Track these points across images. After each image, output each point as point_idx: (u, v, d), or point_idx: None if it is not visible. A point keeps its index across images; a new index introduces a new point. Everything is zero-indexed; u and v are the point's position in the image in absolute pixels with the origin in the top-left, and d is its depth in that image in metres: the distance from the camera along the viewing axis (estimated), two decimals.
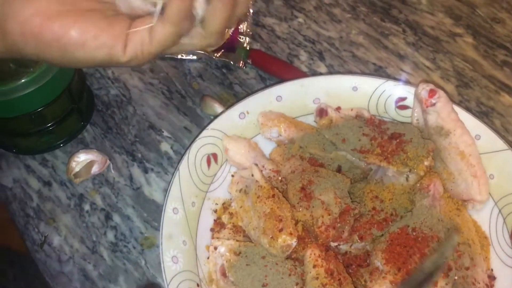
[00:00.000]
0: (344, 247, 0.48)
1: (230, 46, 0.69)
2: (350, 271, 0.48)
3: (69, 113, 0.60)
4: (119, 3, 0.36)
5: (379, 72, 0.68)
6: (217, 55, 0.69)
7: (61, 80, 0.56)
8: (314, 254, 0.45)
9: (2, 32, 0.35)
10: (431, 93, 0.51)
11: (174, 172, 0.51)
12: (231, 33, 0.68)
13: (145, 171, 0.61)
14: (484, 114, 0.64)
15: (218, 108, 0.64)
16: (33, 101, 0.54)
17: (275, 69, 0.67)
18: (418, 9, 0.75)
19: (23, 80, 0.51)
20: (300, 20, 0.74)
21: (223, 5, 0.37)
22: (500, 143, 0.51)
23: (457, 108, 0.53)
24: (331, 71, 0.69)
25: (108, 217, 0.58)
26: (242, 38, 0.69)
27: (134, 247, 0.56)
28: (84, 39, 0.35)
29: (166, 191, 0.58)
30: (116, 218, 0.58)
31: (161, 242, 0.46)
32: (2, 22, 0.35)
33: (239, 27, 0.70)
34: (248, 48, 0.69)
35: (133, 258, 0.55)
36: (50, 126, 0.59)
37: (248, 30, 0.70)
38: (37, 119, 0.57)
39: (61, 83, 0.56)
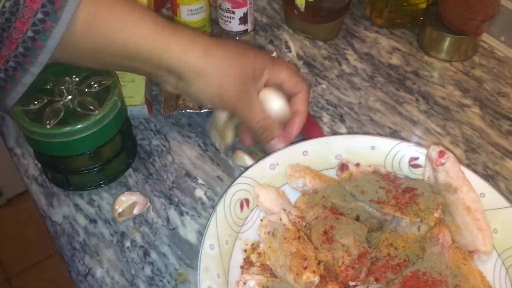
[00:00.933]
0: None
1: None
2: None
3: (120, 151, 0.68)
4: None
5: (394, 135, 0.76)
6: None
7: (118, 120, 0.64)
8: None
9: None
10: (441, 154, 0.58)
11: (212, 213, 0.58)
12: None
13: (181, 213, 0.67)
14: (490, 177, 0.70)
15: (248, 160, 0.71)
16: (95, 140, 0.62)
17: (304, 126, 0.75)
18: (430, 81, 0.83)
19: (89, 122, 0.59)
20: (324, 86, 0.83)
21: None
22: (503, 201, 0.57)
23: (464, 169, 0.60)
24: (351, 132, 0.76)
25: (146, 253, 0.64)
26: None
27: (168, 282, 0.62)
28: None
29: (199, 232, 0.65)
30: (153, 255, 0.64)
31: (199, 273, 0.52)
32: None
33: None
34: None
35: None
36: (103, 163, 0.67)
37: None
38: (95, 157, 0.65)
39: (118, 123, 0.64)
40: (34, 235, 1.70)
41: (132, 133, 0.72)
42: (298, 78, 0.62)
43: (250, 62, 0.57)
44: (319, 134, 0.74)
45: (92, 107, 0.61)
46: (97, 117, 0.60)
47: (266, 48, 0.89)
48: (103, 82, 0.64)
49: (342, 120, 0.78)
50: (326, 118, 0.78)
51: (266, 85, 0.62)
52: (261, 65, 0.59)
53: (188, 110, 0.77)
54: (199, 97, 0.57)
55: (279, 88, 0.62)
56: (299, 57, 0.88)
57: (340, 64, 0.87)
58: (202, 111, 0.77)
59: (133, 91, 0.74)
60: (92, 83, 0.64)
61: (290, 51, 0.89)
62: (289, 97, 0.64)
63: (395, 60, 0.87)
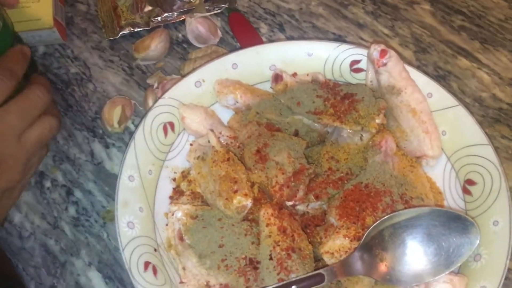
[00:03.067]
0: (301, 208, 0.49)
1: None
2: (308, 231, 0.48)
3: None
4: None
5: (338, 41, 0.68)
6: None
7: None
8: (267, 213, 0.45)
9: None
10: (382, 53, 0.52)
11: (129, 141, 0.51)
12: None
13: (106, 146, 0.61)
14: (441, 78, 0.65)
15: None
16: None
17: (245, 37, 0.67)
18: None
19: None
20: None
21: None
22: (451, 100, 0.52)
23: (409, 68, 0.54)
24: None
25: (69, 192, 0.58)
26: None
27: (96, 221, 0.56)
28: None
29: None
30: (78, 193, 0.58)
31: (116, 208, 0.46)
32: None
33: None
34: None
35: (95, 232, 0.55)
36: None
37: None
38: None
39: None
40: None
41: (33, 64, 0.62)
42: None
43: None
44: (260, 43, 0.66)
45: None
46: None
47: None
48: None
49: (281, 29, 0.70)
50: (264, 28, 0.70)
51: None
52: None
53: (136, 29, 0.68)
54: None
55: None
56: None
57: None
58: (150, 28, 0.68)
59: (39, 12, 0.65)
60: None
61: None
62: None
63: None
